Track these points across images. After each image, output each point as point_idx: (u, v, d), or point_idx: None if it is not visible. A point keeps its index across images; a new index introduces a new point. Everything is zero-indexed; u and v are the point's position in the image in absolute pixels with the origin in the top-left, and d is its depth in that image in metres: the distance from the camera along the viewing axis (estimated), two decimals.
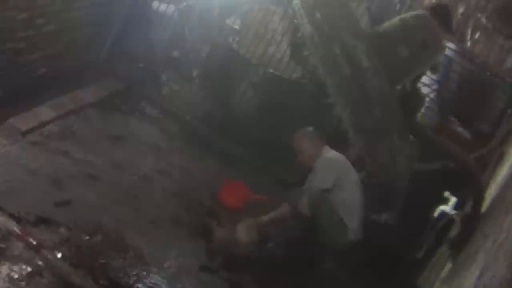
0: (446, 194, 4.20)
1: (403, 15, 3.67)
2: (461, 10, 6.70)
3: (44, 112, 4.38)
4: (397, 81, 3.40)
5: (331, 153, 4.40)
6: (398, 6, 5.61)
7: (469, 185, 3.86)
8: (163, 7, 5.91)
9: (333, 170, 4.25)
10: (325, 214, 4.14)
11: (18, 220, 3.26)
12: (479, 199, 3.41)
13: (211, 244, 4.06)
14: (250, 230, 4.23)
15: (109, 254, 3.43)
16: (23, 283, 2.90)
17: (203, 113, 5.67)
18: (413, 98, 4.05)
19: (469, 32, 6.59)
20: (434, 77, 5.18)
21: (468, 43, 6.54)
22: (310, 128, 4.57)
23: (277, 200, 4.53)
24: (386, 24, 3.50)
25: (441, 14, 3.51)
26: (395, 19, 3.48)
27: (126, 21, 5.43)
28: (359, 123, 3.19)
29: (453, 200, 4.12)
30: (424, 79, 4.96)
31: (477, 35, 6.62)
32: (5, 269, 2.91)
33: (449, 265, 3.32)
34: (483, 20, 6.55)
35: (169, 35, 5.97)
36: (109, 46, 5.45)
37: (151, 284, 3.41)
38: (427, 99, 4.54)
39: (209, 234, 4.14)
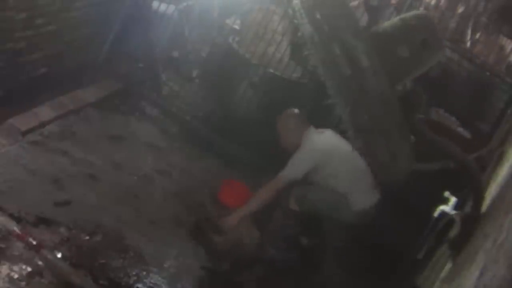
0: (446, 194, 4.19)
1: (403, 15, 3.67)
2: (461, 10, 6.71)
3: (44, 112, 4.38)
4: (397, 81, 3.39)
5: (312, 139, 4.29)
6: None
7: (469, 185, 3.86)
8: (163, 7, 5.91)
9: (308, 161, 4.21)
10: (314, 203, 4.21)
11: (18, 220, 3.26)
12: (479, 199, 3.40)
13: (214, 250, 4.02)
14: (249, 229, 4.23)
15: (109, 254, 3.43)
16: (23, 283, 2.90)
17: (203, 113, 5.67)
18: (413, 97, 4.04)
19: (469, 32, 6.59)
20: None
21: (468, 43, 6.54)
22: (294, 110, 4.52)
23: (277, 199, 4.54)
24: (386, 24, 3.49)
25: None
26: (395, 19, 3.48)
27: (126, 21, 5.43)
28: (359, 123, 3.19)
29: (453, 200, 4.11)
30: None
31: (477, 35, 6.63)
32: (5, 269, 2.91)
33: (449, 265, 3.32)
34: (483, 20, 6.56)
35: (169, 35, 5.97)
36: (109, 46, 5.45)
37: (151, 284, 3.41)
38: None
39: (207, 242, 4.07)
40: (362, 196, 4.25)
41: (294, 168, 4.22)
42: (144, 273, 3.46)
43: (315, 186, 4.28)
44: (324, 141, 4.34)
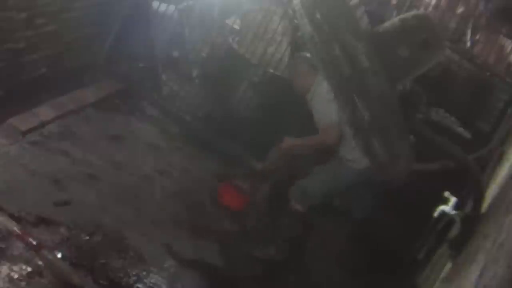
0: (446, 194, 4.19)
1: (403, 15, 3.67)
2: (460, 10, 6.71)
3: (44, 112, 4.38)
4: (397, 81, 3.40)
5: (322, 86, 4.40)
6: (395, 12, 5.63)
7: (469, 185, 3.85)
8: (163, 7, 5.91)
9: (330, 102, 4.26)
10: (316, 191, 4.30)
11: (18, 220, 3.26)
12: (479, 199, 3.40)
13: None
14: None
15: (109, 254, 3.43)
16: (23, 283, 2.90)
17: (203, 113, 5.67)
18: (413, 97, 4.04)
19: (469, 32, 6.59)
20: None
21: (468, 43, 6.54)
22: (306, 55, 4.66)
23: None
24: (386, 24, 3.49)
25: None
26: (395, 19, 3.48)
27: (126, 21, 5.43)
28: (359, 123, 3.19)
29: (453, 200, 4.11)
30: None
31: (477, 35, 6.63)
32: (5, 269, 2.91)
33: (449, 265, 3.32)
34: (483, 20, 6.56)
35: (169, 35, 5.97)
36: (109, 46, 5.45)
37: (151, 284, 3.41)
38: None
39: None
40: (355, 154, 4.23)
41: (327, 115, 4.29)
42: (144, 273, 3.46)
43: (309, 177, 4.34)
44: None
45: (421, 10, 6.18)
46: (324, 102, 4.32)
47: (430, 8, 6.77)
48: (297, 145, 4.48)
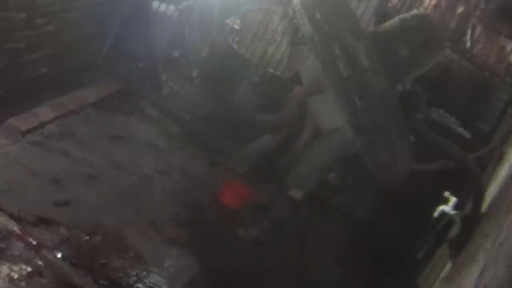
0: (446, 194, 4.19)
1: (403, 15, 3.67)
2: (460, 10, 6.70)
3: (44, 112, 4.38)
4: (397, 81, 3.40)
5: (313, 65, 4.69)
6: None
7: (469, 185, 3.86)
8: (163, 7, 5.91)
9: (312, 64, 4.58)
10: (311, 170, 4.49)
11: (18, 220, 3.26)
12: (479, 199, 3.40)
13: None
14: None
15: (109, 254, 3.43)
16: (23, 283, 2.90)
17: (203, 113, 5.67)
18: (413, 97, 4.03)
19: (469, 32, 6.58)
20: None
21: (468, 43, 6.54)
22: (301, 47, 5.01)
23: (276, 199, 4.56)
24: (386, 24, 3.50)
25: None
26: (395, 19, 3.48)
27: (126, 21, 5.43)
28: (359, 123, 3.19)
29: (453, 200, 4.11)
30: None
31: (477, 35, 6.62)
32: (5, 269, 2.91)
33: (449, 265, 3.32)
34: (483, 20, 6.55)
35: (169, 35, 5.97)
36: (109, 46, 5.45)
37: (151, 284, 3.41)
38: None
39: None
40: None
41: (311, 67, 4.62)
42: (144, 273, 3.46)
43: (299, 162, 4.52)
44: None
45: (421, 10, 6.17)
46: (313, 72, 4.65)
47: (430, 8, 6.77)
48: (307, 91, 4.76)
